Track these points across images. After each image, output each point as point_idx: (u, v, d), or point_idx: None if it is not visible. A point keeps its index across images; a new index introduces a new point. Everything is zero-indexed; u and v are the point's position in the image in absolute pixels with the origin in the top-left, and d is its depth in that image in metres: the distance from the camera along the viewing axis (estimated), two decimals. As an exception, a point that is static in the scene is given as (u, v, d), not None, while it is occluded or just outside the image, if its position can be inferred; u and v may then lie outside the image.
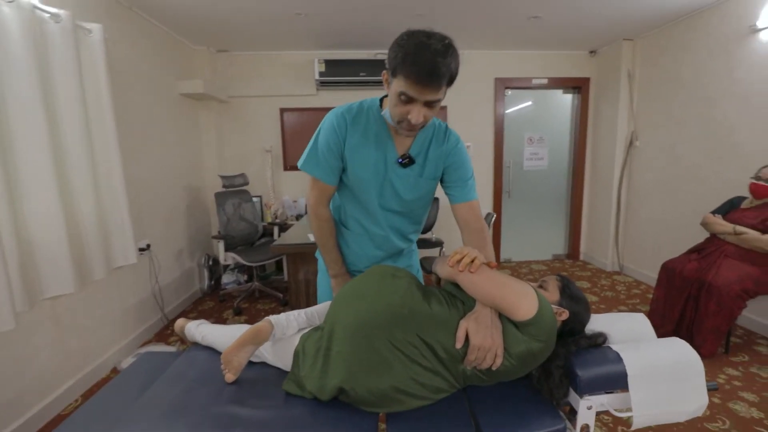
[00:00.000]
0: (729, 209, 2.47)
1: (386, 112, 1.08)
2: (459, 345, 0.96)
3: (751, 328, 2.60)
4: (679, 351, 1.05)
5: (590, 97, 3.98)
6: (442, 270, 1.12)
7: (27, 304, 1.66)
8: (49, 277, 1.81)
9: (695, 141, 2.99)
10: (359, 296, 1.04)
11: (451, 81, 0.96)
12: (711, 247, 2.42)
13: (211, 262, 3.61)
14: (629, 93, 3.56)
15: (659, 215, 3.37)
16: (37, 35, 1.75)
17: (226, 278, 3.60)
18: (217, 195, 3.29)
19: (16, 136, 1.67)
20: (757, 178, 2.30)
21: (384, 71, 1.03)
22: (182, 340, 2.64)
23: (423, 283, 1.26)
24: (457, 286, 1.08)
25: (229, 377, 1.08)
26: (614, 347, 1.05)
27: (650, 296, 3.09)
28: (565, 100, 4.09)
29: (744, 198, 2.45)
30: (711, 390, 1.08)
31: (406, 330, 0.97)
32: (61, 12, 1.84)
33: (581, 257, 4.32)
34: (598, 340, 1.08)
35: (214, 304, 3.33)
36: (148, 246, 2.68)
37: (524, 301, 0.94)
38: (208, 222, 3.80)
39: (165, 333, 2.78)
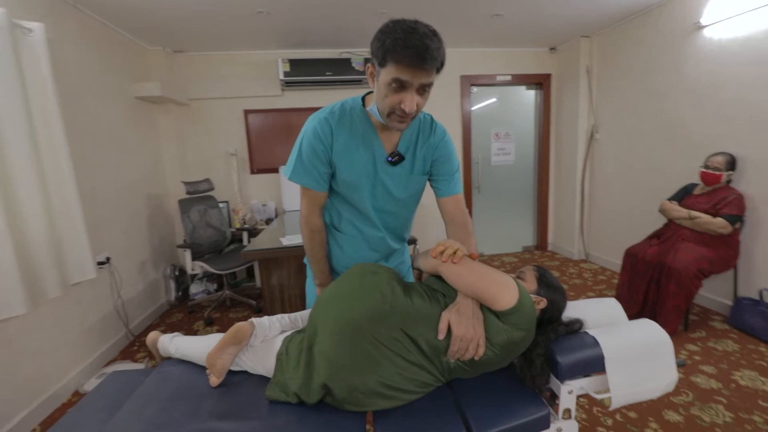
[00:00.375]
0: (683, 196, 2.63)
1: (372, 108, 1.05)
2: (441, 336, 0.96)
3: (706, 306, 2.79)
4: (650, 331, 1.10)
5: (552, 93, 4.13)
6: (425, 263, 1.12)
7: (-29, 330, 1.51)
8: (-5, 299, 1.66)
9: (650, 133, 3.17)
10: (341, 296, 1.03)
11: (440, 67, 0.94)
12: (669, 232, 2.57)
13: (177, 273, 3.44)
14: (588, 88, 3.72)
15: (620, 204, 3.54)
16: (-30, 34, 1.60)
17: (195, 288, 3.45)
18: (181, 202, 3.15)
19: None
20: (706, 166, 2.46)
21: (368, 65, 1.00)
22: (151, 355, 2.51)
23: (412, 280, 1.26)
24: (438, 279, 1.09)
25: (214, 381, 1.05)
26: (590, 332, 1.09)
27: (615, 281, 3.25)
28: (529, 95, 4.22)
29: (696, 185, 2.62)
30: (679, 366, 1.15)
31: (390, 325, 0.96)
32: (-3, 9, 1.69)
33: (549, 248, 4.47)
34: (575, 327, 1.11)
35: (183, 315, 3.18)
36: (108, 259, 2.52)
37: (505, 291, 0.95)
38: (172, 231, 3.63)
39: (131, 350, 2.62)
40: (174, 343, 1.24)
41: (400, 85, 0.92)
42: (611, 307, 1.27)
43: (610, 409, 1.05)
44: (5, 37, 1.73)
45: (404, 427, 0.92)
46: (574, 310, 1.21)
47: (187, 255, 3.03)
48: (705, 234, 2.39)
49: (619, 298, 2.71)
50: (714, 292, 2.72)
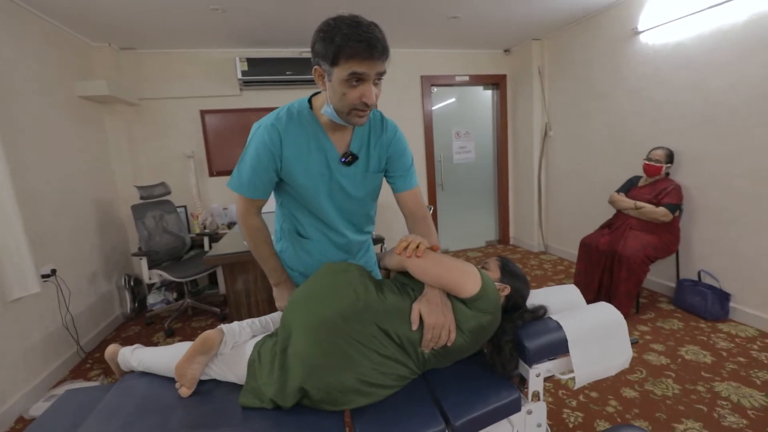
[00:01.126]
0: (629, 187, 2.83)
1: (326, 109, 1.02)
2: (414, 327, 0.98)
3: (653, 289, 3.01)
4: (607, 313, 1.18)
5: (508, 92, 4.30)
6: (391, 260, 1.14)
7: None
8: None
9: (597, 130, 3.38)
10: (314, 296, 1.02)
11: (388, 55, 0.94)
12: (618, 222, 2.76)
13: (132, 283, 3.24)
14: (541, 88, 3.91)
15: (575, 197, 3.76)
16: None
17: (152, 298, 3.26)
18: (134, 208, 2.97)
19: None
20: (649, 159, 2.67)
21: (315, 68, 0.97)
22: (107, 372, 2.35)
23: (380, 277, 1.27)
24: (405, 274, 1.11)
25: (184, 392, 1.00)
26: (554, 317, 1.15)
27: (573, 271, 3.43)
28: (486, 95, 4.37)
29: (640, 177, 2.82)
30: (633, 344, 1.24)
31: (364, 322, 0.97)
32: None
33: (511, 241, 4.65)
34: (540, 312, 1.17)
35: (140, 328, 3.00)
36: (54, 271, 2.33)
37: (468, 278, 0.99)
38: (125, 238, 3.41)
39: (83, 368, 2.44)
40: (135, 356, 1.17)
41: (358, 79, 0.91)
42: (571, 293, 1.35)
43: (575, 388, 1.12)
44: (-77, 29, 1.55)
45: (382, 422, 0.93)
46: (537, 297, 1.28)
47: (144, 263, 2.86)
48: (650, 222, 2.59)
49: (576, 285, 2.86)
50: (659, 276, 2.95)
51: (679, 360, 2.08)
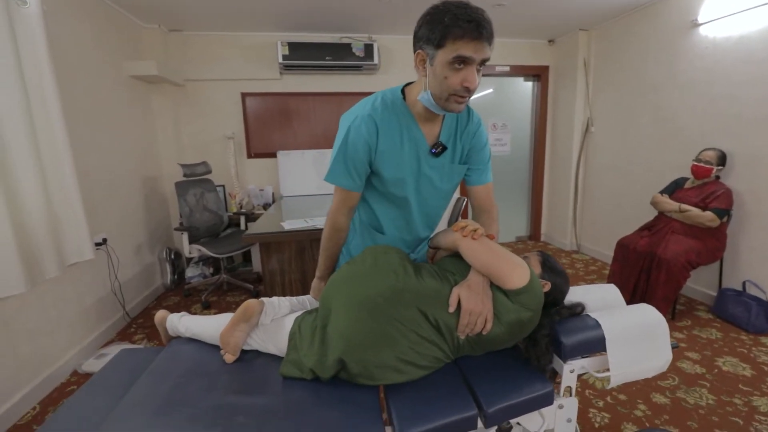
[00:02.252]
0: (674, 189, 2.70)
1: (422, 96, 1.01)
2: (451, 309, 1.00)
3: (691, 296, 2.89)
4: (648, 314, 1.16)
5: (549, 85, 4.16)
6: (445, 238, 1.15)
7: (-28, 307, 1.50)
8: (-5, 278, 1.64)
9: (643, 126, 3.23)
10: (355, 276, 1.05)
11: (493, 40, 0.92)
12: (660, 224, 2.65)
13: (172, 256, 3.42)
14: (585, 81, 3.76)
15: (613, 196, 3.62)
16: (-34, 4, 1.54)
17: (191, 272, 3.44)
18: (177, 185, 3.11)
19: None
20: (698, 160, 2.53)
21: (418, 52, 0.97)
22: (150, 337, 2.51)
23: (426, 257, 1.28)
24: (452, 259, 1.12)
25: (229, 358, 1.07)
26: (592, 315, 1.14)
27: (606, 272, 3.34)
28: (526, 87, 4.25)
29: (687, 179, 2.69)
30: (673, 348, 1.21)
31: (405, 303, 0.99)
32: (-7, -21, 1.63)
33: (542, 238, 4.56)
34: (578, 309, 1.16)
35: (179, 299, 3.17)
36: (105, 240, 2.50)
37: (517, 270, 0.99)
38: (168, 213, 3.59)
39: (128, 332, 2.62)
40: (183, 323, 1.26)
41: (463, 62, 0.90)
42: (610, 293, 1.33)
43: (608, 387, 1.11)
44: (1, 9, 1.67)
45: (416, 401, 0.96)
46: (574, 295, 1.26)
47: (184, 238, 3.01)
48: (694, 227, 2.47)
49: (609, 287, 2.81)
50: (699, 283, 2.83)
51: (716, 370, 2.01)
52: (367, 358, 0.97)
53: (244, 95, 3.64)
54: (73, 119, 2.24)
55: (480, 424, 0.98)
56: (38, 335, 1.95)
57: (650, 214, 2.83)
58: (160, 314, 1.32)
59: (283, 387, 1.00)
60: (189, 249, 3.04)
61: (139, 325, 2.70)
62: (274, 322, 1.14)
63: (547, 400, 1.03)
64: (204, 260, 3.52)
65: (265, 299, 1.15)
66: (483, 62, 0.93)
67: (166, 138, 3.50)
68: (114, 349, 2.30)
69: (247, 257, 3.81)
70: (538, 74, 4.12)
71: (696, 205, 2.48)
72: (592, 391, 1.87)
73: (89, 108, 2.48)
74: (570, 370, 1.10)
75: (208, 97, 3.59)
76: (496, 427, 1.03)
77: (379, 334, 0.97)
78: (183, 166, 3.15)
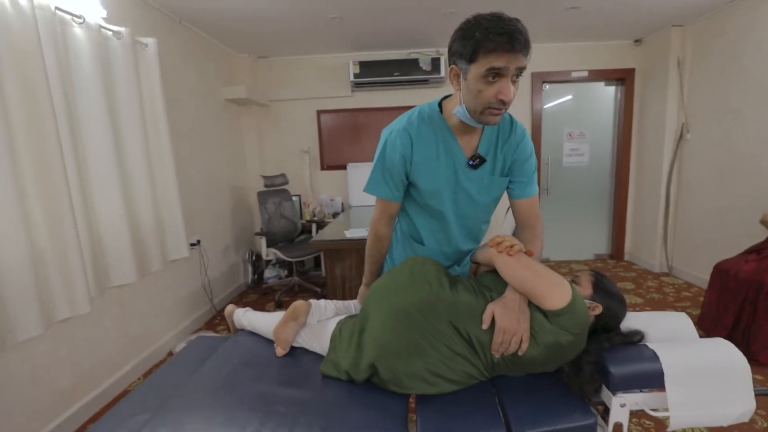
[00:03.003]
0: (793, 205, 2.28)
1: (458, 110, 1.02)
2: (485, 326, 0.98)
3: (819, 335, 2.38)
4: (723, 352, 1.01)
5: (636, 89, 3.78)
6: (483, 254, 1.15)
7: (98, 291, 1.87)
8: (115, 268, 2.02)
9: (753, 131, 2.77)
10: (393, 286, 1.09)
11: (529, 50, 0.91)
12: (771, 247, 2.25)
13: (254, 258, 3.81)
14: (679, 83, 3.35)
15: (713, 212, 3.15)
16: (103, 52, 1.95)
17: (268, 273, 3.78)
18: (260, 194, 3.47)
19: (88, 147, 1.88)
20: (827, 171, 2.11)
21: (452, 67, 0.98)
22: (229, 328, 2.83)
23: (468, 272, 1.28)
24: (492, 275, 1.11)
25: (279, 351, 1.20)
26: (651, 345, 1.03)
27: (702, 299, 2.90)
28: (608, 92, 3.92)
29: (811, 193, 2.25)
30: (762, 395, 1.04)
31: (437, 316, 1.00)
32: (122, 29, 2.03)
33: (626, 257, 4.12)
34: (635, 338, 1.06)
35: (257, 296, 3.52)
36: (198, 242, 2.89)
37: (556, 290, 0.95)
38: (251, 220, 4.01)
39: (214, 322, 2.98)
40: (246, 317, 1.42)
41: (496, 75, 0.90)
42: (681, 323, 1.19)
43: (669, 430, 1.00)
44: (129, 53, 2.08)
45: (444, 414, 0.97)
46: (636, 321, 1.15)
47: (263, 242, 3.34)
48: (820, 251, 2.05)
49: (704, 318, 2.45)
50: (831, 321, 2.31)
51: None
52: (397, 366, 1.01)
53: (319, 112, 3.94)
54: (178, 137, 2.65)
55: (509, 446, 0.95)
56: (144, 318, 2.33)
57: (760, 235, 2.42)
58: (228, 308, 1.51)
59: (321, 384, 1.08)
60: (266, 252, 3.36)
61: (223, 318, 3.05)
62: (320, 324, 1.24)
63: (587, 432, 0.97)
64: (280, 263, 3.85)
65: (312, 301, 1.26)
66: (519, 72, 0.91)
67: (251, 153, 3.93)
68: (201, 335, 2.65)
69: (318, 262, 4.07)
70: (621, 78, 3.78)
71: (822, 226, 2.06)
72: (670, 434, 1.65)
73: (191, 128, 2.92)
74: (620, 404, 1.01)
75: (288, 115, 3.95)
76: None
77: (410, 344, 1.01)
78: (264, 177, 3.50)
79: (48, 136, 1.58)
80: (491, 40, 0.87)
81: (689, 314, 2.70)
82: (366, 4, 2.72)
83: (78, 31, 1.82)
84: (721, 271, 2.37)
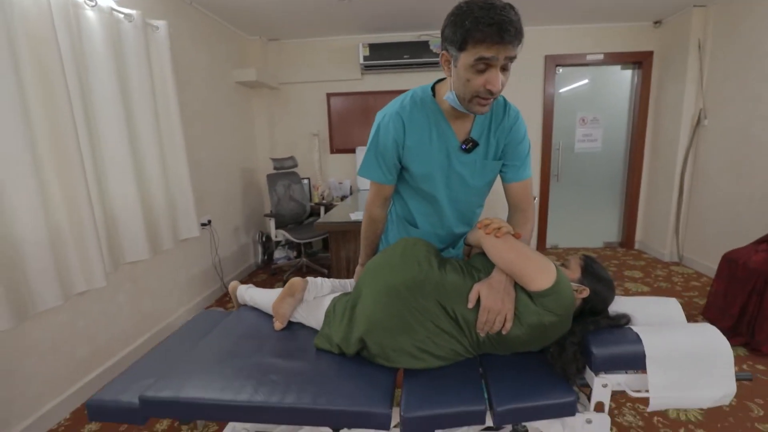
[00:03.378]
0: (809, 195, 2.21)
1: (449, 96, 1.03)
2: (470, 305, 1.02)
3: (829, 328, 2.33)
4: (707, 336, 1.03)
5: (653, 73, 3.66)
6: (473, 235, 1.18)
7: (113, 266, 1.97)
8: (128, 245, 2.11)
9: (774, 119, 2.67)
10: (385, 265, 1.13)
11: (521, 39, 0.90)
12: (783, 237, 2.20)
13: (264, 239, 3.90)
14: (699, 67, 3.23)
15: (728, 202, 3.07)
16: (114, 35, 2.00)
17: (278, 254, 3.88)
18: (269, 176, 3.53)
19: (101, 126, 1.95)
20: None
21: (443, 53, 0.98)
22: (234, 301, 2.94)
23: (462, 253, 1.31)
24: (482, 257, 1.14)
25: (277, 325, 1.27)
26: (635, 328, 1.05)
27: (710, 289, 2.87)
28: (624, 76, 3.80)
29: (829, 183, 2.18)
30: (744, 380, 1.05)
31: (425, 294, 1.04)
32: (134, 12, 2.07)
33: (636, 246, 4.06)
34: (621, 321, 1.08)
35: (266, 276, 3.62)
36: (209, 222, 2.98)
37: (541, 272, 0.98)
38: (261, 201, 4.09)
39: (224, 300, 3.10)
40: (248, 293, 1.49)
41: (485, 64, 0.90)
42: (670, 308, 1.20)
43: (648, 411, 1.02)
44: (140, 35, 2.12)
45: (429, 387, 1.01)
46: (625, 305, 1.17)
47: (272, 223, 3.42)
48: (833, 243, 2.00)
49: (710, 307, 2.43)
50: (842, 314, 2.27)
51: (844, 421, 1.63)
52: (385, 341, 1.06)
53: (329, 95, 3.94)
54: (189, 120, 2.71)
55: (489, 420, 1.00)
56: (157, 294, 2.44)
57: (773, 225, 2.36)
58: (233, 285, 1.58)
59: (314, 357, 1.14)
60: (276, 233, 3.44)
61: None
62: (316, 300, 1.29)
63: (567, 410, 1.00)
64: (289, 244, 3.93)
65: (309, 278, 1.32)
66: (509, 60, 0.91)
67: (262, 135, 3.98)
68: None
69: (326, 244, 4.15)
70: (639, 61, 3.66)
71: (838, 217, 2.00)
72: (663, 419, 1.68)
73: (202, 110, 2.97)
74: (602, 385, 1.04)
75: (298, 97, 3.97)
76: (510, 428, 1.04)
77: (398, 320, 1.05)
78: (274, 160, 3.56)
79: (64, 118, 1.64)
80: (480, 30, 0.86)
81: (695, 304, 2.71)
82: (374, -15, 2.69)
83: (90, 14, 1.87)
84: (730, 260, 2.33)
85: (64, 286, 1.69)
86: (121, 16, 2.04)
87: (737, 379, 0.99)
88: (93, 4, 1.86)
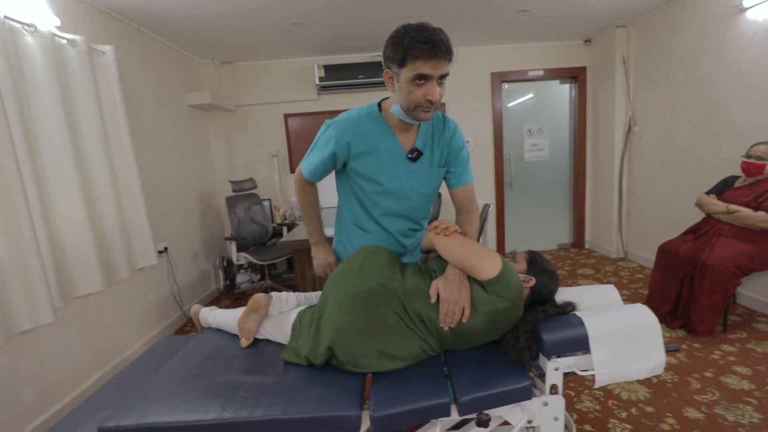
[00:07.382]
0: (723, 188, 2.49)
1: (395, 108, 1.15)
2: (432, 300, 1.09)
3: (752, 307, 2.62)
4: (638, 314, 1.14)
5: (588, 86, 4.02)
6: (426, 240, 1.27)
7: (62, 301, 1.85)
8: (79, 277, 2.00)
9: (691, 122, 3.01)
10: (348, 273, 1.17)
11: (451, 57, 1.06)
12: (706, 227, 2.46)
13: (225, 263, 3.79)
14: (625, 79, 3.59)
15: (661, 199, 3.39)
16: (57, 60, 1.94)
17: (240, 278, 3.78)
18: (228, 199, 3.47)
19: (45, 153, 1.87)
20: (748, 156, 2.33)
21: (386, 70, 1.11)
22: (197, 325, 2.83)
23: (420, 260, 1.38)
24: (437, 260, 1.21)
25: (243, 342, 1.26)
26: (578, 313, 1.15)
27: (652, 279, 3.11)
28: (563, 90, 4.14)
29: (737, 177, 2.47)
30: (672, 351, 1.18)
31: (390, 299, 1.10)
32: (77, 37, 2.03)
33: (586, 245, 4.34)
34: (567, 309, 1.18)
35: (230, 302, 3.51)
36: (166, 249, 2.88)
37: (487, 262, 1.07)
38: (221, 225, 4.00)
39: (184, 329, 2.97)
40: (212, 315, 1.47)
41: (423, 79, 1.04)
42: (609, 294, 1.32)
43: (595, 387, 1.11)
44: (85, 60, 2.08)
45: (396, 387, 1.05)
46: (570, 294, 1.28)
47: (233, 247, 3.35)
48: (745, 229, 2.27)
49: (651, 295, 2.64)
50: (761, 293, 2.55)
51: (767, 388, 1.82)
52: (353, 346, 1.09)
53: (286, 116, 3.97)
54: (141, 144, 2.64)
55: (455, 412, 1.04)
56: (112, 328, 2.31)
57: (701, 217, 2.63)
58: (194, 308, 1.54)
59: (282, 370, 1.14)
60: (237, 257, 3.37)
61: (193, 325, 3.04)
62: (282, 315, 1.30)
63: (524, 394, 1.07)
64: (252, 267, 3.85)
65: (273, 293, 1.32)
66: (442, 77, 1.07)
67: (219, 158, 3.93)
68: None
69: (291, 264, 4.09)
70: (574, 76, 4.01)
71: (747, 205, 2.27)
72: (616, 401, 1.80)
73: (155, 134, 2.91)
74: (554, 368, 1.12)
75: (255, 119, 3.97)
76: (475, 417, 1.09)
77: (364, 326, 1.09)
78: (232, 182, 3.51)
79: (0, 143, 1.57)
80: (417, 47, 1.00)
81: (640, 294, 2.94)
82: (326, 11, 2.79)
83: (30, 39, 1.81)
84: (663, 251, 2.57)
85: (4, 325, 1.57)
86: (64, 41, 1.99)
87: (666, 351, 1.11)
88: (33, 29, 1.81)
